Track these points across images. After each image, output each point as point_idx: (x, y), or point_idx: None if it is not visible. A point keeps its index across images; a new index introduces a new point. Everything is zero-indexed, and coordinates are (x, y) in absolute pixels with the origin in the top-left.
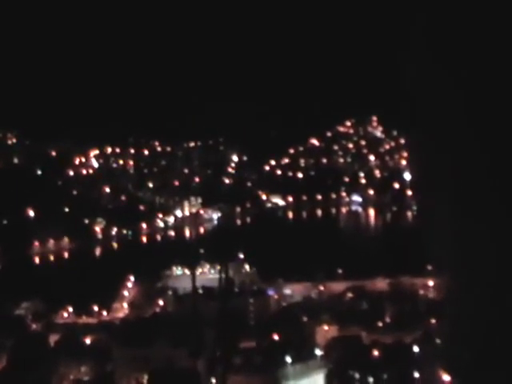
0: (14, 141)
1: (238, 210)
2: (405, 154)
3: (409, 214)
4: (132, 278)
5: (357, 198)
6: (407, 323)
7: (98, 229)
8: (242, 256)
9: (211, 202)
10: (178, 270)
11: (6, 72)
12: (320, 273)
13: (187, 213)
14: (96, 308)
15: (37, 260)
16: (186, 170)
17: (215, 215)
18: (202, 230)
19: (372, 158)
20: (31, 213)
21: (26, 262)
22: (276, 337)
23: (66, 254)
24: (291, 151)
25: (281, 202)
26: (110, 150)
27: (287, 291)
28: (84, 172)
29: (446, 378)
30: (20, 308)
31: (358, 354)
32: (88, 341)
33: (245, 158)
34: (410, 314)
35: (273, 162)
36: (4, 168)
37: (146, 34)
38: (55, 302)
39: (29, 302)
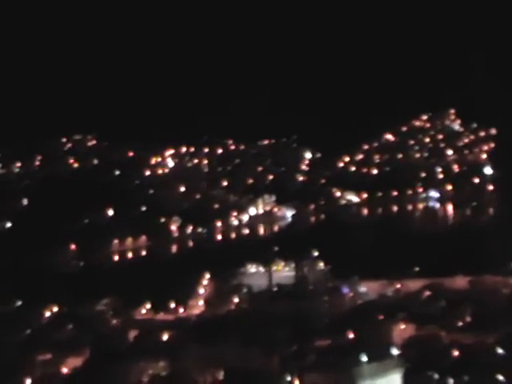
0: (93, 143)
1: (312, 207)
2: (484, 148)
3: (489, 209)
4: (207, 276)
5: (434, 193)
6: (488, 323)
7: (173, 227)
8: (316, 253)
9: (285, 200)
10: (252, 268)
11: (82, 76)
12: (396, 270)
13: (261, 211)
14: (173, 305)
15: (116, 258)
16: (260, 168)
17: (289, 213)
18: (275, 227)
19: (450, 152)
20: (110, 212)
21: (105, 260)
22: (351, 335)
23: (143, 252)
24: (365, 147)
25: (355, 199)
26: (184, 149)
27: (362, 289)
28: (160, 172)
29: None
30: (100, 304)
31: (437, 354)
32: (165, 337)
33: (318, 155)
34: (492, 313)
35: (347, 159)
36: (84, 170)
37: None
38: (134, 298)
39: (108, 298)
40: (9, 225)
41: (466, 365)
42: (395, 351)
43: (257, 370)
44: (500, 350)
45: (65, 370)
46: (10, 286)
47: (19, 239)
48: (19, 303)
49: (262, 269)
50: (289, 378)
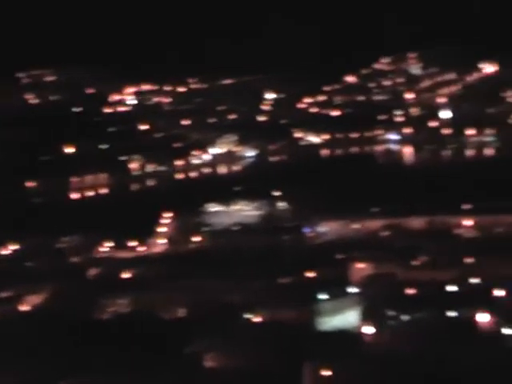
0: (52, 78)
1: (274, 147)
2: (444, 91)
3: (445, 152)
4: (169, 214)
5: (394, 135)
6: (443, 262)
7: (134, 165)
8: (277, 193)
9: (247, 140)
10: (214, 207)
11: (39, 8)
12: (356, 211)
13: (223, 150)
14: (134, 243)
15: (75, 196)
16: (222, 108)
17: (251, 153)
18: (237, 167)
19: (409, 95)
20: (69, 150)
21: (64, 197)
22: (311, 274)
23: (103, 191)
24: (327, 89)
25: (316, 140)
26: (146, 87)
27: (322, 229)
28: (120, 109)
29: (483, 318)
30: (60, 242)
31: (393, 292)
32: (126, 275)
33: (281, 96)
34: (447, 252)
35: (309, 100)
36: (41, 105)
37: None
38: (94, 236)
39: (68, 236)
40: None
41: (420, 302)
42: (353, 289)
43: (220, 306)
44: (452, 288)
45: (24, 308)
46: None
47: None
48: None
49: (224, 208)
50: (249, 315)
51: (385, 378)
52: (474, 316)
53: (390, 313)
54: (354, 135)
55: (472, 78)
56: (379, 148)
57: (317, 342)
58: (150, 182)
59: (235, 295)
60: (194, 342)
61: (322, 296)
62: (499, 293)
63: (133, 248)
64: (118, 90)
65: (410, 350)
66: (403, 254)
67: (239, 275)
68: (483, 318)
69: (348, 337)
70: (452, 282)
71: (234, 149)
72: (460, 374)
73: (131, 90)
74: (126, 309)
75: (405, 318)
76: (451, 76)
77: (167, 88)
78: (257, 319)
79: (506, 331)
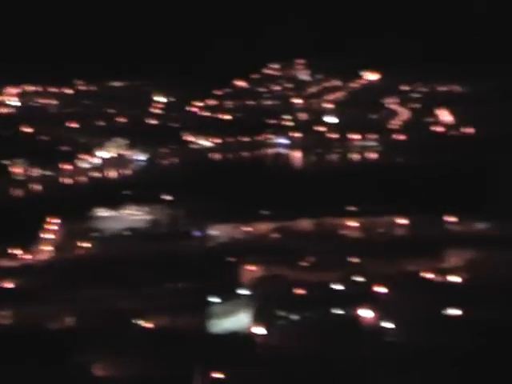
0: None
1: (164, 151)
2: (330, 98)
3: (332, 156)
4: (55, 221)
5: (283, 140)
6: (329, 262)
7: (18, 170)
8: (168, 197)
9: (137, 144)
10: (103, 212)
11: None
12: (246, 214)
13: (112, 154)
14: (17, 251)
15: None
16: (111, 110)
17: (141, 156)
18: (128, 171)
19: (298, 100)
20: None
21: None
22: (202, 277)
23: None
24: (218, 93)
25: (207, 144)
26: (30, 88)
27: (213, 232)
28: (1, 111)
29: (367, 314)
30: None
31: (283, 293)
32: (10, 284)
33: (171, 99)
34: (333, 253)
35: (199, 104)
36: None
37: None
38: None
39: None
40: None
41: (308, 301)
42: (244, 292)
43: (110, 313)
44: (338, 287)
45: None
46: None
47: None
48: None
49: (114, 212)
50: (140, 321)
51: (275, 378)
52: (357, 312)
53: (280, 313)
54: (245, 139)
55: (355, 85)
56: (269, 152)
57: (208, 345)
58: (35, 187)
59: (125, 302)
60: (81, 351)
61: (213, 299)
62: (380, 289)
63: (16, 256)
64: (1, 91)
65: (299, 348)
66: (292, 255)
67: (129, 281)
68: (366, 313)
69: (239, 339)
70: (337, 281)
71: (124, 152)
72: (345, 368)
73: (14, 91)
74: (8, 321)
75: (294, 317)
76: (336, 83)
77: (53, 90)
78: (148, 325)
79: (385, 325)
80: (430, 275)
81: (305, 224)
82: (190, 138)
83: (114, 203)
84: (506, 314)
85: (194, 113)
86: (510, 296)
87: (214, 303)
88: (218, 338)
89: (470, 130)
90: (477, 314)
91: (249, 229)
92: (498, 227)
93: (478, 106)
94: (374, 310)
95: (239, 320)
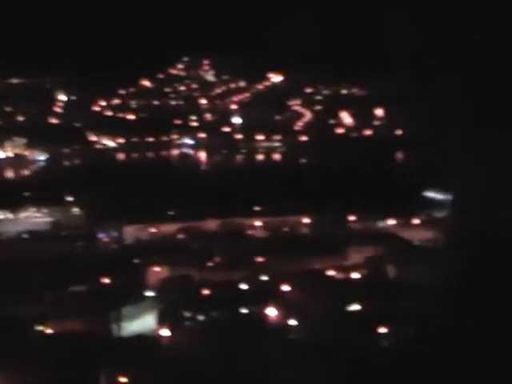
0: None
1: (66, 151)
2: (235, 99)
3: (237, 157)
4: None
5: (188, 140)
6: (236, 262)
7: None
8: (70, 198)
9: (37, 143)
10: (1, 214)
11: None
12: (151, 215)
13: (10, 153)
14: None
15: None
16: (9, 109)
17: (41, 156)
18: (27, 171)
19: (203, 101)
20: None
21: None
22: (106, 280)
23: None
24: (122, 92)
25: (111, 144)
26: None
27: (118, 234)
28: None
29: (272, 312)
30: None
31: (189, 293)
32: None
33: (74, 98)
34: (239, 253)
35: (103, 103)
36: None
37: None
38: None
39: None
40: None
41: (215, 302)
42: (150, 293)
43: (8, 319)
44: (245, 286)
45: None
46: None
47: None
48: None
49: (12, 215)
50: (41, 327)
51: (182, 380)
52: (264, 311)
53: (187, 314)
54: (150, 139)
55: (260, 86)
56: (174, 152)
57: (114, 349)
58: None
59: (25, 307)
60: None
61: (119, 302)
62: (285, 288)
63: None
64: None
65: (205, 348)
66: (198, 256)
67: (30, 286)
68: (272, 312)
69: (145, 341)
70: (244, 281)
71: (23, 152)
72: (251, 366)
73: None
74: None
75: (201, 318)
76: (242, 84)
77: None
78: (50, 331)
79: (291, 322)
80: (332, 273)
81: (211, 224)
82: (94, 138)
83: (13, 205)
84: (404, 307)
85: (98, 112)
86: (408, 291)
87: (119, 305)
88: (124, 341)
89: (370, 132)
90: (375, 309)
91: (154, 230)
92: (398, 224)
93: (377, 108)
94: (279, 309)
95: (145, 322)
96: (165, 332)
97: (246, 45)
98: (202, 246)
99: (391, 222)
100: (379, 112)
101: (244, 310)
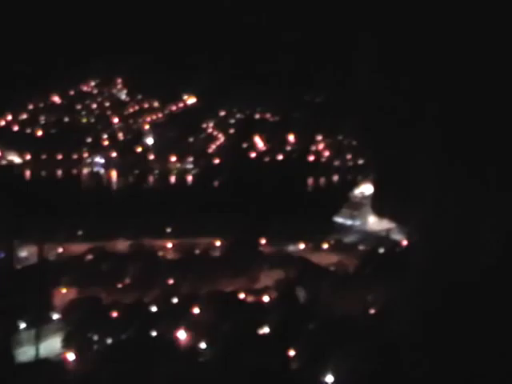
0: None
1: None
2: (148, 119)
3: (150, 177)
4: None
5: (99, 159)
6: (147, 283)
7: None
8: None
9: None
10: None
11: None
12: (59, 234)
13: None
14: None
15: None
16: None
17: None
18: None
19: (115, 119)
20: None
21: None
22: (8, 301)
23: None
24: (30, 107)
25: (17, 160)
26: None
27: (23, 253)
28: None
29: (182, 335)
30: None
31: (98, 316)
32: None
33: None
34: (150, 274)
35: (9, 117)
36: None
37: None
38: None
39: None
40: None
41: (124, 324)
42: (56, 315)
43: None
44: (155, 308)
45: None
46: None
47: None
48: None
49: None
50: None
51: None
52: (175, 333)
53: (94, 337)
54: (59, 156)
55: (174, 107)
56: (85, 171)
57: (16, 373)
58: None
59: None
60: None
61: (22, 324)
62: (196, 310)
63: None
64: None
65: (112, 373)
66: (108, 277)
67: None
68: (181, 334)
69: (50, 365)
70: (154, 303)
71: None
72: None
73: None
74: None
75: (109, 341)
76: (155, 104)
77: None
78: None
79: (201, 345)
80: (243, 295)
81: (121, 245)
82: None
83: None
84: (313, 331)
85: (5, 127)
86: (316, 314)
87: (22, 328)
88: (27, 366)
89: (281, 156)
90: (285, 331)
91: (61, 250)
92: (308, 248)
93: (288, 133)
94: (189, 331)
95: (50, 346)
96: (71, 356)
97: (161, 65)
98: (112, 266)
99: (301, 245)
100: (291, 138)
101: (154, 333)
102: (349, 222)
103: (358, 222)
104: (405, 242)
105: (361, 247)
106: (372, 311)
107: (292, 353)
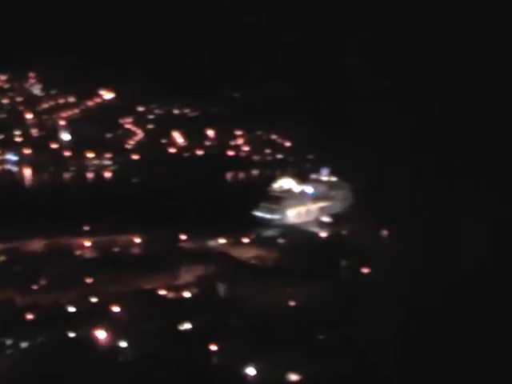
0: None
1: None
2: (63, 115)
3: (66, 174)
4: None
5: (12, 156)
6: (64, 284)
7: None
8: None
9: None
10: None
11: None
12: None
13: None
14: None
15: None
16: None
17: None
18: None
19: (29, 115)
20: None
21: None
22: None
23: None
24: None
25: None
26: None
27: None
28: None
29: (101, 335)
30: None
31: (11, 319)
32: None
33: None
34: (67, 274)
35: None
36: None
37: None
38: None
39: None
40: None
41: (40, 326)
42: None
43: None
44: (73, 309)
45: None
46: None
47: None
48: None
49: None
50: None
51: None
52: (93, 333)
53: (8, 341)
54: None
55: (91, 103)
56: None
57: None
58: None
59: None
60: None
61: None
62: (115, 309)
63: None
64: None
65: (30, 376)
66: (22, 278)
67: None
68: (101, 334)
69: None
70: (72, 303)
71: None
72: None
73: None
74: None
75: (24, 344)
76: (71, 99)
77: None
78: None
79: (120, 344)
80: (164, 292)
81: (37, 245)
82: None
83: None
84: (235, 325)
85: None
86: (239, 308)
87: None
88: None
89: (201, 152)
90: (206, 327)
91: None
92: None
93: (207, 128)
94: (108, 330)
95: None
96: None
97: (78, 60)
98: (27, 267)
99: (222, 240)
100: (210, 132)
101: (71, 334)
102: (268, 216)
103: (277, 216)
104: (323, 234)
105: (280, 240)
106: (292, 303)
107: (214, 347)
